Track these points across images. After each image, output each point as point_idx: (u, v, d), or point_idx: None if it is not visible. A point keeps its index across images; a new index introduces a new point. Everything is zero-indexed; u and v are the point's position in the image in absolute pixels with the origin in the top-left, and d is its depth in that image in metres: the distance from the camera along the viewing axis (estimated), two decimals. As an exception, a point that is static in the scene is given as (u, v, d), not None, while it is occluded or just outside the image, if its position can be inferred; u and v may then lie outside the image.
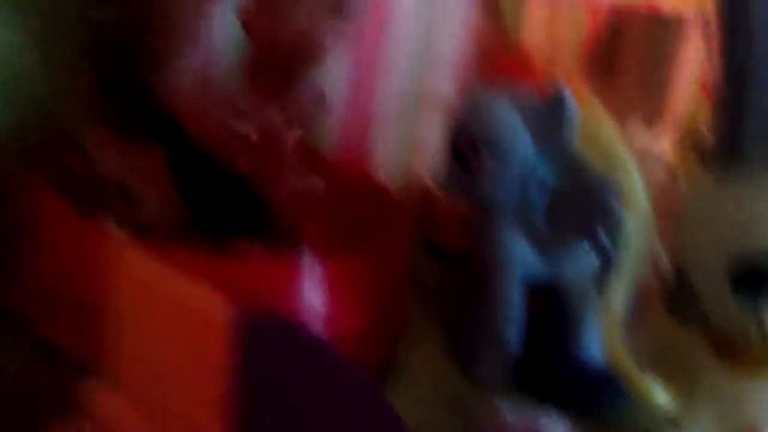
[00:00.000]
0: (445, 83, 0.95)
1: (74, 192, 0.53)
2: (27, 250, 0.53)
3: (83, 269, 0.48)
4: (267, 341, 0.37)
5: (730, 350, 0.44)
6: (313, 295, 0.54)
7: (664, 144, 0.88)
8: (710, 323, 0.42)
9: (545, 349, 0.58)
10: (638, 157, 0.49)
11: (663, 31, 0.90)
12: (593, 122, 0.47)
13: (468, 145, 0.55)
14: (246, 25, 0.54)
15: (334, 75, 0.76)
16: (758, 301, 0.39)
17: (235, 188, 0.70)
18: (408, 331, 0.64)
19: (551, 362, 0.58)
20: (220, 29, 0.51)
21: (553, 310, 0.57)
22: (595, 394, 0.52)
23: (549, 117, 0.51)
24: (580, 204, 0.51)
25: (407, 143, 0.94)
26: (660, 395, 0.45)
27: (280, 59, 0.58)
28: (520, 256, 0.57)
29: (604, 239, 0.46)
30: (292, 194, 0.72)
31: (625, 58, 0.98)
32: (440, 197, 0.73)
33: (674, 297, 0.43)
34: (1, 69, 0.51)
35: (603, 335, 0.48)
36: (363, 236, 0.64)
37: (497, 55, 0.65)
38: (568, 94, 0.49)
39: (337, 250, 0.62)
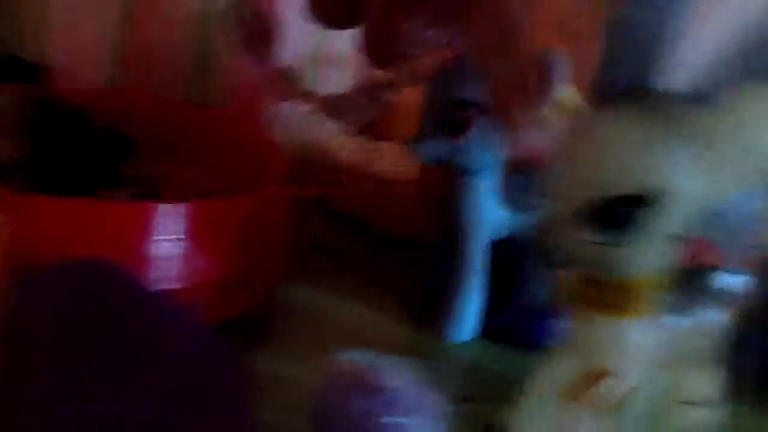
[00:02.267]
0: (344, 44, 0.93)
1: None
2: None
3: None
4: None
5: (590, 292, 0.44)
6: (165, 242, 0.53)
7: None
8: (574, 262, 0.42)
9: (505, 297, 0.63)
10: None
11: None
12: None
13: (458, 109, 0.57)
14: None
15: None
16: (609, 234, 0.39)
17: (98, 137, 0.67)
18: (284, 282, 0.64)
19: (510, 307, 0.64)
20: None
21: (507, 261, 0.62)
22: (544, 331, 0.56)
23: None
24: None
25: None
26: None
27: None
28: (491, 216, 0.61)
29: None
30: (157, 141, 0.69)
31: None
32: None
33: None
34: None
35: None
36: (236, 187, 0.63)
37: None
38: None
39: (202, 199, 0.60)
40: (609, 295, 0.43)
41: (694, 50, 0.38)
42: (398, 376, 0.42)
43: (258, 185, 0.64)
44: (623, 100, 0.38)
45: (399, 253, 0.82)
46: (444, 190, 0.63)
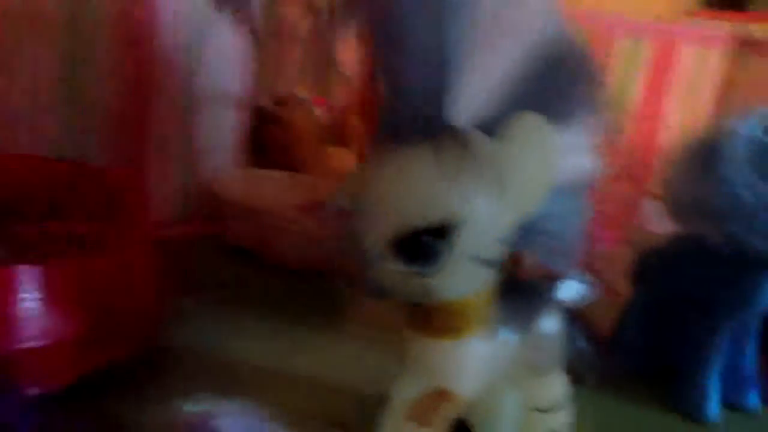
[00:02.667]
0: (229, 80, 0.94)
1: None
2: None
3: None
4: None
5: (418, 318, 0.45)
6: (28, 303, 0.53)
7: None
8: (390, 293, 0.42)
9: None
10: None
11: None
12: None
13: None
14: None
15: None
16: (416, 265, 0.40)
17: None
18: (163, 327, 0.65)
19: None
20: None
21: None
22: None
23: None
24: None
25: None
26: None
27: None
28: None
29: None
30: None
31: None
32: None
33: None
34: None
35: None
36: (98, 239, 0.63)
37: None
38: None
39: (61, 256, 0.60)
40: (436, 318, 0.45)
41: (479, 81, 0.40)
42: (238, 421, 0.43)
43: (128, 233, 0.64)
44: (417, 133, 0.40)
45: (293, 283, 0.83)
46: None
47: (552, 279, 0.51)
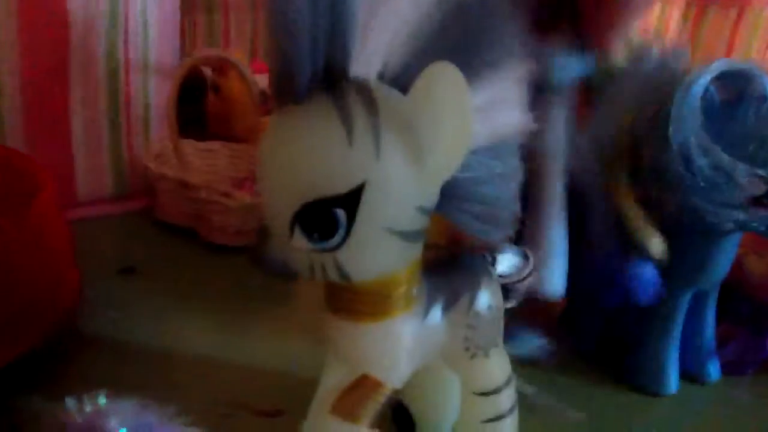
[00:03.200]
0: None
1: None
2: None
3: None
4: None
5: (335, 299, 0.41)
6: None
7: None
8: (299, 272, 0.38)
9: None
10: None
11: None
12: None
13: None
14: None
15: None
16: (320, 240, 0.35)
17: None
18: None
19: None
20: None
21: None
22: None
23: None
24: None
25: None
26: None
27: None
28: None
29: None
30: None
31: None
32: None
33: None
34: None
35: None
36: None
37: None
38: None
39: None
40: (354, 299, 0.40)
41: (385, 26, 0.35)
42: (128, 418, 0.38)
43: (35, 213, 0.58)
44: (313, 88, 0.34)
45: (229, 262, 0.78)
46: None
47: (487, 251, 0.46)
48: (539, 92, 0.44)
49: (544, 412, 0.57)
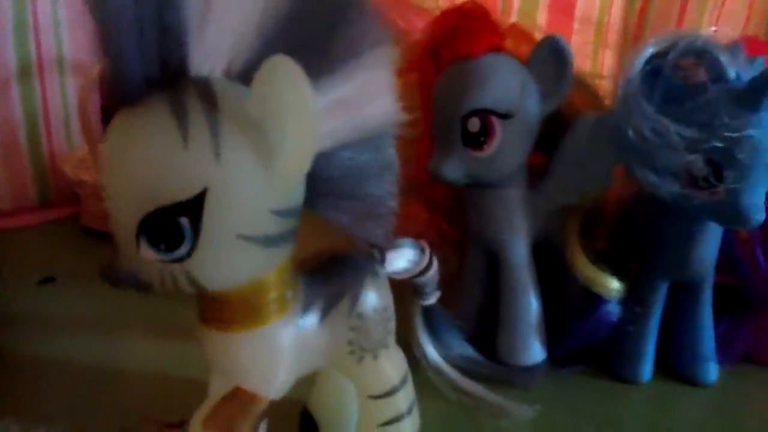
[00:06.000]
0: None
1: None
2: None
3: None
4: None
5: (205, 309, 0.40)
6: None
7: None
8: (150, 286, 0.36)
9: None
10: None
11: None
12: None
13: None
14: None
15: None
16: (165, 251, 0.34)
17: None
18: None
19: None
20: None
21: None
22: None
23: None
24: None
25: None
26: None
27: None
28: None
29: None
30: None
31: None
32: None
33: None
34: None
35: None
36: None
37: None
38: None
39: None
40: (220, 309, 0.38)
41: (226, 18, 0.32)
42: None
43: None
44: (148, 87, 0.32)
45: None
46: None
47: (377, 249, 0.44)
48: None
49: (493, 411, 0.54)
